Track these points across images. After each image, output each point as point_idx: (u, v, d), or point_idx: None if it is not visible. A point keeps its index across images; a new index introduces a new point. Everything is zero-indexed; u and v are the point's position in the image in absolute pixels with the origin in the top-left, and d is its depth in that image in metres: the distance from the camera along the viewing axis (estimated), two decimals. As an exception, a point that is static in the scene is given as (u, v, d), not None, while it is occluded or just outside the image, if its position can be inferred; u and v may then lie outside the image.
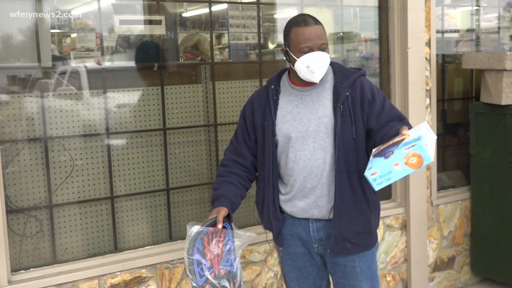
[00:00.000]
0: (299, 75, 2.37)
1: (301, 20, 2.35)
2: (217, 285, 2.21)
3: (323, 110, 2.37)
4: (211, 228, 2.23)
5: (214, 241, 2.22)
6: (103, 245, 3.17)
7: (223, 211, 2.29)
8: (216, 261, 2.23)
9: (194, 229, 2.21)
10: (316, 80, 2.34)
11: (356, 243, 2.40)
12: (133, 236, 3.27)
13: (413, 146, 1.96)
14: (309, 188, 2.38)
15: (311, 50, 2.31)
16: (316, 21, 2.36)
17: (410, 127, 2.24)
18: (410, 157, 1.95)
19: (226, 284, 2.22)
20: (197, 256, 2.21)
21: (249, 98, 2.58)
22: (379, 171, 1.98)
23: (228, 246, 2.24)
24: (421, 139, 1.97)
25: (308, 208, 2.40)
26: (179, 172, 3.40)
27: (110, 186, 3.18)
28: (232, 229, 2.29)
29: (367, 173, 2.01)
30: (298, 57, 2.32)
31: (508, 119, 3.88)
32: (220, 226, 2.23)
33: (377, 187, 1.99)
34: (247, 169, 2.52)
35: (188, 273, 2.22)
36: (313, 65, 2.30)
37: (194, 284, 2.20)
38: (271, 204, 2.44)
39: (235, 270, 2.25)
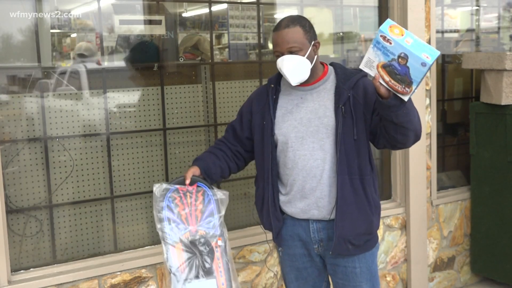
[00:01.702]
0: None
1: (276, 25, 2.37)
2: (190, 245, 2.20)
3: (324, 111, 2.36)
4: (180, 186, 2.23)
5: (188, 200, 2.22)
6: (103, 245, 3.17)
7: (192, 169, 2.34)
8: (194, 221, 2.22)
9: (160, 187, 2.22)
10: (292, 82, 2.33)
11: (358, 244, 2.39)
12: (133, 236, 3.27)
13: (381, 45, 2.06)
14: (308, 189, 2.37)
15: (281, 54, 2.32)
16: (289, 24, 2.31)
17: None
18: (393, 33, 2.03)
19: (196, 242, 2.21)
20: (167, 214, 2.20)
21: (249, 97, 2.59)
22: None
23: (209, 208, 2.24)
24: (374, 41, 2.07)
25: (308, 209, 2.39)
26: (179, 172, 3.40)
27: (110, 186, 3.18)
28: (210, 188, 2.29)
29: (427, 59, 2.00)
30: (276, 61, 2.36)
31: (508, 119, 3.88)
32: (187, 182, 2.26)
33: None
34: (233, 153, 2.54)
35: (159, 231, 2.20)
36: (283, 69, 2.30)
37: (164, 242, 2.19)
38: (271, 204, 2.44)
39: (217, 232, 2.23)
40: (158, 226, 2.22)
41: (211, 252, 2.23)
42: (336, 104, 2.34)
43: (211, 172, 2.42)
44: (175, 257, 2.22)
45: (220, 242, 2.25)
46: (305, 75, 2.33)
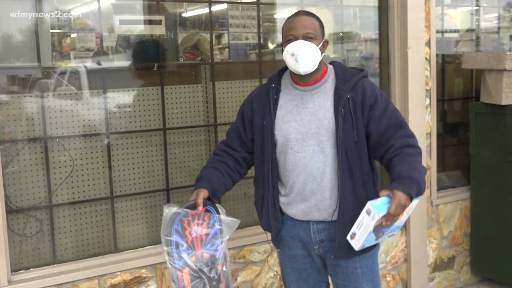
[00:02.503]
0: (288, 67, 2.36)
1: (293, 14, 2.37)
2: (195, 268, 2.17)
3: (324, 113, 2.34)
4: (191, 211, 2.20)
5: (195, 223, 2.18)
6: (103, 245, 3.17)
7: (202, 193, 2.27)
8: (199, 244, 2.19)
9: (171, 210, 2.19)
10: (301, 70, 2.29)
11: None
12: (133, 236, 3.27)
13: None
14: (308, 191, 2.36)
15: (295, 38, 2.30)
16: (308, 14, 2.35)
17: (409, 139, 2.29)
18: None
19: (204, 269, 2.18)
20: (175, 238, 2.17)
21: (249, 96, 2.55)
22: (363, 242, 2.16)
23: (214, 230, 2.21)
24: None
25: (309, 211, 2.38)
26: (179, 172, 3.40)
27: (110, 186, 3.18)
28: (218, 213, 2.25)
29: (348, 237, 2.18)
30: (285, 47, 2.33)
31: (508, 119, 3.88)
32: (200, 208, 2.21)
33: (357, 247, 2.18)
34: (237, 161, 2.49)
35: (165, 255, 2.17)
36: (296, 52, 2.27)
37: (171, 265, 2.16)
38: (271, 205, 2.42)
39: (220, 255, 2.21)
40: (165, 248, 2.19)
41: (219, 280, 2.22)
42: (336, 106, 2.32)
43: (217, 192, 2.38)
44: (182, 280, 2.20)
45: (224, 268, 2.23)
46: (314, 65, 2.32)
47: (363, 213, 2.12)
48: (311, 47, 2.29)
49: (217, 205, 2.29)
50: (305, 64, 2.29)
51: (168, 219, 2.18)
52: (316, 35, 2.32)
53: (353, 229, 2.15)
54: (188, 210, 2.20)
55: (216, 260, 2.21)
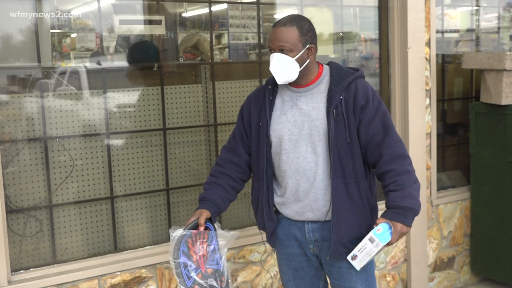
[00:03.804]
0: None
1: (276, 22, 2.37)
2: (205, 285, 2.25)
3: (317, 113, 2.34)
4: (194, 231, 2.28)
5: (198, 243, 2.27)
6: (103, 245, 3.18)
7: (205, 214, 2.33)
8: (202, 262, 2.27)
9: (177, 233, 2.27)
10: (278, 81, 2.34)
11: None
12: (133, 236, 3.27)
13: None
14: (302, 192, 2.37)
15: (272, 51, 2.34)
16: (286, 23, 2.31)
17: (398, 149, 2.30)
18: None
19: (214, 283, 2.26)
20: (183, 259, 2.25)
21: (248, 97, 2.58)
22: (365, 264, 2.26)
23: (212, 246, 2.28)
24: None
25: (303, 211, 2.40)
26: (179, 172, 3.40)
27: (110, 186, 3.18)
28: (215, 229, 2.33)
29: (349, 257, 2.26)
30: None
31: (508, 119, 3.88)
32: (201, 228, 2.29)
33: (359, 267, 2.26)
34: (241, 168, 2.52)
35: (176, 276, 2.25)
36: (270, 66, 2.33)
37: (182, 287, 2.24)
38: (265, 205, 2.44)
39: (221, 268, 2.28)
40: (175, 271, 2.26)
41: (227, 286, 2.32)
42: (328, 107, 2.32)
43: (221, 210, 2.44)
44: None
45: (229, 280, 2.31)
46: (291, 76, 2.33)
47: (365, 239, 2.21)
48: (284, 59, 2.30)
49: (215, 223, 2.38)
50: (278, 76, 2.33)
51: (175, 241, 2.26)
52: (292, 46, 2.30)
53: (355, 251, 2.24)
54: (192, 231, 2.29)
55: (221, 273, 2.29)
